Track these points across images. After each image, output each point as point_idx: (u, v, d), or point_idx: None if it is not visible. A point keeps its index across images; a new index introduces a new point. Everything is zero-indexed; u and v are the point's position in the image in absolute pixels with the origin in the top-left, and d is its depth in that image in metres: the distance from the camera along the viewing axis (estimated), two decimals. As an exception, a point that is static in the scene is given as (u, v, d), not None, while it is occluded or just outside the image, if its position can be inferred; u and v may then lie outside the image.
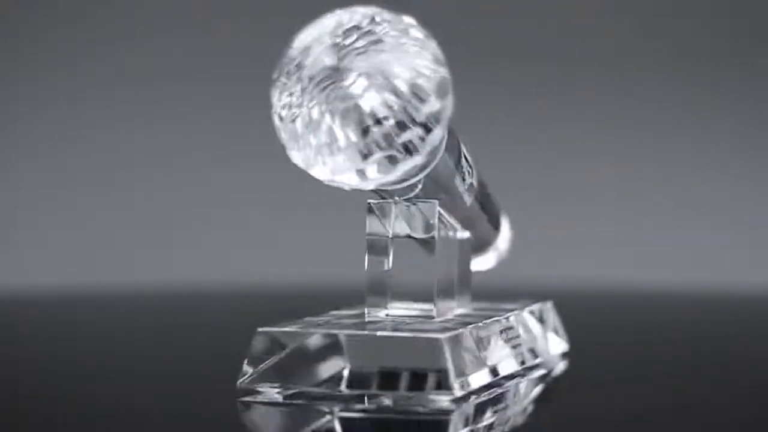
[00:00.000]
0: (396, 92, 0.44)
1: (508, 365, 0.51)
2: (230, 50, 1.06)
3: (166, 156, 1.09)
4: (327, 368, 0.46)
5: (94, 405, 0.49)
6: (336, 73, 0.44)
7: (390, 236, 0.49)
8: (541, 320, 0.57)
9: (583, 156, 1.11)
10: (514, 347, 0.52)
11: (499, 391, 0.49)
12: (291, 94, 0.45)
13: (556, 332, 0.58)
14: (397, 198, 0.49)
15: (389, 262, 0.49)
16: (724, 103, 1.12)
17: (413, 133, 0.44)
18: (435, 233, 0.49)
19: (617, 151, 1.12)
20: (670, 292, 0.98)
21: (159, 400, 0.50)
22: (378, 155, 0.44)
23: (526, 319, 0.55)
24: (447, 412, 0.45)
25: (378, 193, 0.49)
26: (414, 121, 0.44)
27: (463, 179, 0.51)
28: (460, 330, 0.47)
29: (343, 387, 0.46)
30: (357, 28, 0.44)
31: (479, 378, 0.48)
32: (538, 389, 0.52)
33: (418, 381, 0.45)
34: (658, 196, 1.11)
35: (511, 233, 0.61)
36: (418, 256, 0.50)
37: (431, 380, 0.45)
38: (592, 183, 1.11)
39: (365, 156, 0.44)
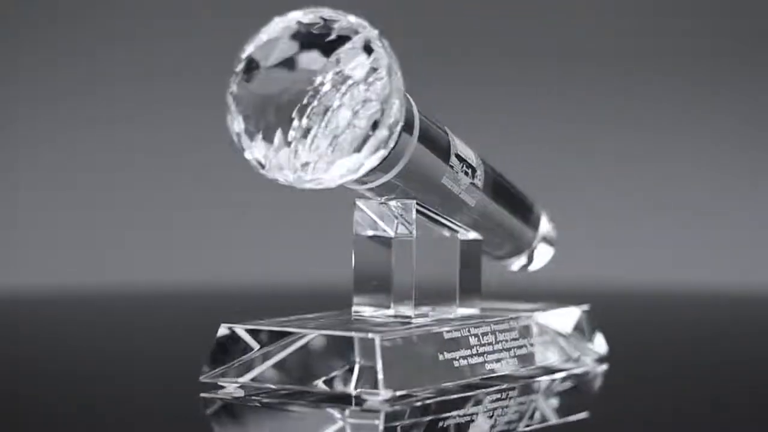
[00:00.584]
0: (337, 94, 0.44)
1: (495, 367, 0.51)
2: (230, 50, 1.06)
3: (166, 156, 1.09)
4: (277, 364, 0.47)
5: (94, 405, 0.49)
6: (281, 73, 0.44)
7: (377, 236, 0.50)
8: (568, 323, 0.56)
9: (583, 156, 1.11)
10: (509, 350, 0.52)
11: (467, 394, 0.49)
12: (245, 96, 0.45)
13: (591, 336, 0.57)
14: (380, 198, 0.49)
15: (383, 262, 0.50)
16: (725, 103, 1.12)
17: (354, 134, 0.44)
18: (413, 233, 0.49)
19: (617, 151, 1.11)
20: (670, 292, 0.97)
21: (159, 400, 0.50)
22: (318, 153, 0.44)
23: (542, 321, 0.55)
24: (374, 413, 0.45)
25: (361, 192, 0.49)
26: (353, 124, 0.44)
27: (456, 179, 0.51)
28: (411, 331, 0.48)
29: (288, 384, 0.47)
30: (311, 30, 0.45)
31: (440, 379, 0.48)
32: (518, 391, 0.51)
33: (354, 380, 0.46)
34: (658, 196, 1.11)
35: (551, 230, 0.60)
36: (405, 255, 0.50)
37: (364, 379, 0.45)
38: (591, 183, 1.11)
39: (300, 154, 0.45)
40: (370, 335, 0.46)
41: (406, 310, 0.50)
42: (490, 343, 0.51)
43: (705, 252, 1.08)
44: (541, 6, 1.13)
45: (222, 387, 0.48)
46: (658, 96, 1.12)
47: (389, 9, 1.11)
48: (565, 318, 0.56)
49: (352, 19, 0.45)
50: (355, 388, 0.46)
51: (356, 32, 0.45)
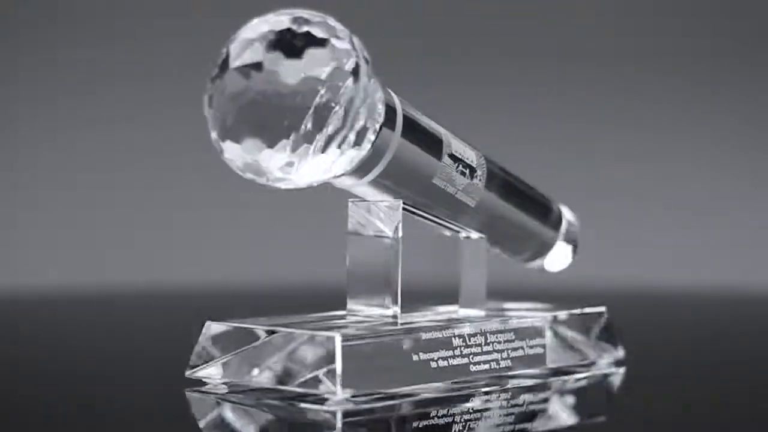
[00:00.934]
0: (303, 97, 0.44)
1: (483, 369, 0.51)
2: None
3: (166, 156, 1.09)
4: (248, 362, 0.48)
5: (94, 405, 0.49)
6: (251, 76, 0.45)
7: (370, 236, 0.50)
8: (584, 326, 0.56)
9: (583, 156, 1.11)
10: (502, 351, 0.52)
11: (438, 395, 0.49)
12: (218, 97, 0.46)
13: (608, 339, 0.57)
14: (370, 198, 0.50)
15: (375, 262, 0.50)
16: (724, 103, 1.12)
17: (322, 137, 0.45)
18: (399, 233, 0.50)
19: (617, 151, 1.12)
20: (670, 291, 0.98)
21: (159, 399, 0.50)
22: (288, 156, 0.45)
23: (553, 323, 0.54)
24: (332, 412, 0.45)
25: (352, 192, 0.50)
26: (320, 126, 0.45)
27: (451, 179, 0.51)
28: (383, 331, 0.48)
29: (253, 381, 0.47)
30: (283, 32, 0.45)
31: (414, 380, 0.48)
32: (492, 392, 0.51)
33: (316, 378, 0.46)
34: (658, 196, 1.11)
35: (574, 231, 0.60)
36: (397, 255, 0.50)
37: (326, 378, 0.46)
38: (591, 183, 1.11)
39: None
40: (331, 334, 0.46)
41: (397, 309, 0.50)
42: (478, 345, 0.51)
43: (705, 252, 1.08)
44: (541, 6, 1.13)
45: (206, 383, 0.49)
46: (658, 96, 1.12)
47: (390, 9, 1.11)
48: (582, 320, 0.56)
49: (327, 21, 0.45)
50: (317, 387, 0.46)
51: (327, 35, 0.45)
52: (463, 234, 0.53)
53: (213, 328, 0.49)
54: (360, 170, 0.47)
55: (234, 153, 0.46)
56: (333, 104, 0.44)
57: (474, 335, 0.51)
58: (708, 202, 1.11)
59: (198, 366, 0.49)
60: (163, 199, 1.08)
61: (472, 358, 0.50)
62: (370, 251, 0.50)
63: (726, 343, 0.70)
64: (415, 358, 0.48)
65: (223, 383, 0.49)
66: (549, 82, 1.12)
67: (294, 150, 0.45)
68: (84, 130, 1.09)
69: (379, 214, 0.50)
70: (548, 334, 0.54)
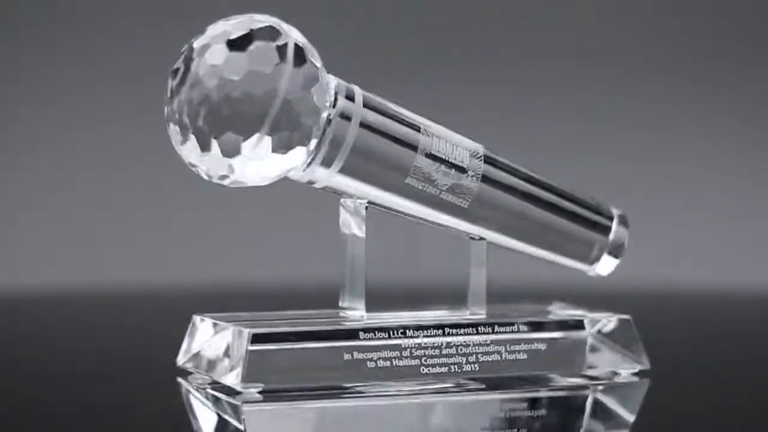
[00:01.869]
0: (224, 98, 0.45)
1: (435, 372, 0.50)
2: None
3: (166, 156, 1.09)
4: (202, 354, 0.49)
5: (94, 405, 0.49)
6: (181, 79, 0.48)
7: (352, 234, 0.51)
8: (594, 335, 0.54)
9: (583, 156, 1.11)
10: (469, 355, 0.50)
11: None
12: (167, 102, 0.48)
13: (630, 347, 0.55)
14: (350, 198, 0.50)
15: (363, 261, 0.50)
16: (725, 103, 1.12)
17: (231, 138, 0.45)
18: (364, 233, 0.50)
19: (617, 151, 1.12)
20: (669, 292, 0.98)
21: (159, 399, 0.50)
22: (210, 160, 0.46)
23: (544, 329, 0.53)
24: (235, 406, 0.46)
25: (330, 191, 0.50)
26: (231, 126, 0.45)
27: (430, 179, 0.50)
28: (310, 329, 0.48)
29: (205, 372, 0.49)
30: (220, 37, 0.48)
31: (342, 379, 0.48)
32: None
33: (226, 371, 0.47)
34: (658, 196, 1.11)
35: (621, 232, 0.59)
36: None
37: (235, 372, 0.46)
38: (591, 183, 1.11)
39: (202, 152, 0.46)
40: (242, 329, 0.46)
41: (363, 308, 0.50)
42: (436, 347, 0.50)
43: (705, 252, 1.08)
44: (541, 6, 1.13)
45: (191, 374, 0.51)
46: (658, 96, 1.12)
47: (390, 9, 1.11)
48: (597, 326, 0.55)
49: (260, 24, 0.46)
50: (225, 380, 0.47)
51: (252, 37, 0.46)
52: (468, 234, 0.53)
53: (198, 322, 0.50)
54: (323, 164, 0.47)
55: (183, 155, 0.47)
56: (257, 107, 0.45)
57: (435, 338, 0.50)
58: (708, 202, 1.11)
59: (184, 357, 0.50)
60: (163, 199, 1.08)
61: (425, 361, 0.50)
62: (354, 250, 0.51)
63: (726, 343, 0.70)
64: (347, 357, 0.48)
65: (207, 374, 0.49)
66: (549, 82, 1.12)
67: (224, 153, 0.45)
68: (84, 130, 1.09)
69: (353, 212, 0.51)
70: (534, 339, 0.52)
